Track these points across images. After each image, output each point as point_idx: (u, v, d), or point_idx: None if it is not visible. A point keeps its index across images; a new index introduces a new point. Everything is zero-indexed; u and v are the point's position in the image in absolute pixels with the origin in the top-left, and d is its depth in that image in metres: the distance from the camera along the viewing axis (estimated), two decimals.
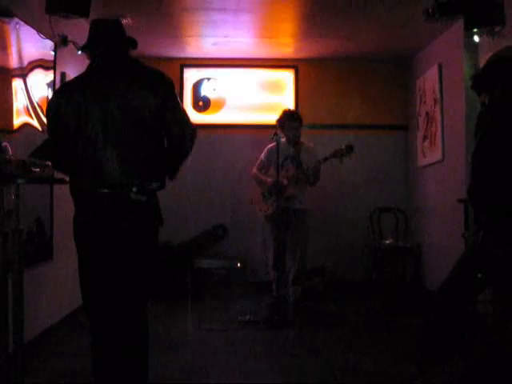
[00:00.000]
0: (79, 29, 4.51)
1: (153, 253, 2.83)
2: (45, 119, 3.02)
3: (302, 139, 5.66)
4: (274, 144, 5.39)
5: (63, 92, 2.87)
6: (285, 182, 5.37)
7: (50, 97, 3.09)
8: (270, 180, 5.41)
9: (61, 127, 2.72)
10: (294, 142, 5.56)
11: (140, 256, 2.74)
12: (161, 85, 2.79)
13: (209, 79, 6.90)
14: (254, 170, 5.66)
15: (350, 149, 5.32)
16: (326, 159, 5.38)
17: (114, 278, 2.70)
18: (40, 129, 4.10)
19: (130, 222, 2.69)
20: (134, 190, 2.68)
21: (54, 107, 2.77)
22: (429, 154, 6.14)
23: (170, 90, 2.82)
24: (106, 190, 2.66)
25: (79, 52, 4.63)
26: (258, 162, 5.66)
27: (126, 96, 2.71)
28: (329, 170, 5.73)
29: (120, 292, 2.71)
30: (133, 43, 2.88)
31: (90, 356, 2.74)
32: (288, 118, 5.54)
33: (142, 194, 2.71)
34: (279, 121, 5.57)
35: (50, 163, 2.76)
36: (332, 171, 5.42)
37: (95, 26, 2.87)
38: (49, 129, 2.85)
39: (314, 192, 5.68)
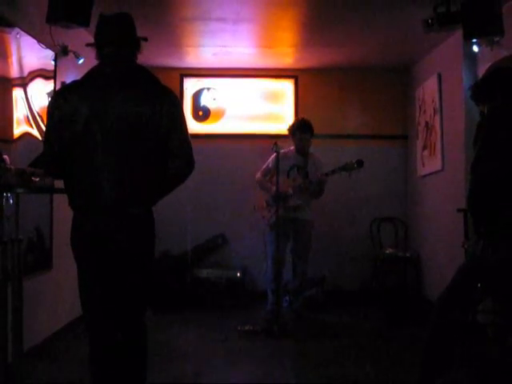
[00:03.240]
0: (80, 38, 4.53)
1: (150, 264, 2.81)
2: (44, 127, 2.98)
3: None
4: (282, 151, 5.33)
5: (66, 93, 2.70)
6: (290, 191, 5.31)
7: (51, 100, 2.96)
8: (274, 188, 5.30)
9: (57, 131, 2.62)
10: (303, 152, 5.51)
11: (137, 267, 2.72)
12: (169, 106, 2.68)
13: (208, 89, 6.92)
14: (259, 175, 5.60)
15: (360, 163, 5.19)
16: (333, 172, 5.24)
17: (113, 290, 2.69)
18: (40, 138, 4.10)
19: (128, 234, 2.66)
20: (132, 202, 2.64)
21: (53, 109, 2.66)
22: (428, 164, 6.15)
23: (178, 114, 2.72)
24: (103, 204, 2.60)
25: (80, 61, 4.68)
26: (264, 167, 5.58)
27: (131, 110, 2.62)
28: (329, 179, 5.66)
29: (118, 302, 2.71)
30: (144, 39, 2.78)
31: (88, 366, 2.73)
32: (299, 128, 5.49)
33: (139, 207, 2.68)
34: (290, 129, 5.56)
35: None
36: (331, 180, 5.39)
37: (104, 22, 2.72)
38: (46, 130, 2.72)
39: (314, 201, 5.65)
